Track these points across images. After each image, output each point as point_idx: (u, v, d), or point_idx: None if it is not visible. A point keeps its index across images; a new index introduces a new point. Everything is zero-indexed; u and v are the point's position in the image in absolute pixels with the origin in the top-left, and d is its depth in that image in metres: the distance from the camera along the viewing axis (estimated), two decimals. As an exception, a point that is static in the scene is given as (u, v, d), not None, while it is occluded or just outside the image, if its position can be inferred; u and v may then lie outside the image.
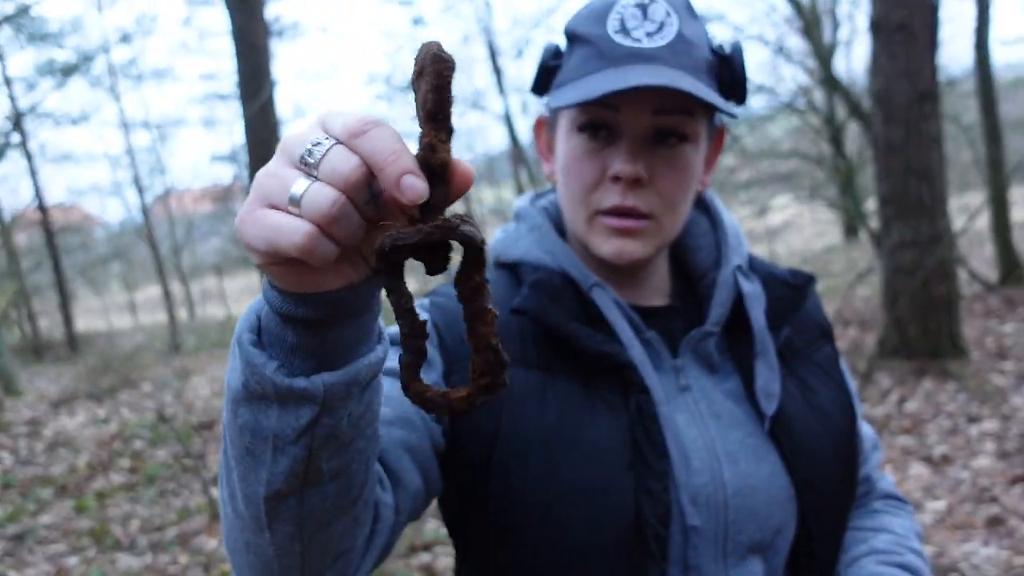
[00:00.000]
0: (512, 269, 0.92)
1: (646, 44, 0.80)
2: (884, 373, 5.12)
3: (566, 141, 0.86)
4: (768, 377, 0.85)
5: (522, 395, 0.82)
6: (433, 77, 0.44)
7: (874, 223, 7.22)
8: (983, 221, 9.76)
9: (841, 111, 10.41)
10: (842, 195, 10.24)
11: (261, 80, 6.99)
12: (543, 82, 0.91)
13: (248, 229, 0.47)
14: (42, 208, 13.69)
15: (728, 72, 0.86)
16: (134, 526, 4.82)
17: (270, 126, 7.08)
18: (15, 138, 12.44)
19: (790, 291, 0.92)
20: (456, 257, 0.48)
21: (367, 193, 0.46)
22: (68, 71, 12.34)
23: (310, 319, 0.51)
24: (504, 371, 0.48)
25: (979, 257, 9.65)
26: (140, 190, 16.57)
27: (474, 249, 0.46)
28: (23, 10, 11.27)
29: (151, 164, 19.07)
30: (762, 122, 11.12)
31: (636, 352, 0.83)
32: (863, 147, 10.67)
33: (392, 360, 0.73)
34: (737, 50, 0.86)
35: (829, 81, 9.54)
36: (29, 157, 13.53)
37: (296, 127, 0.57)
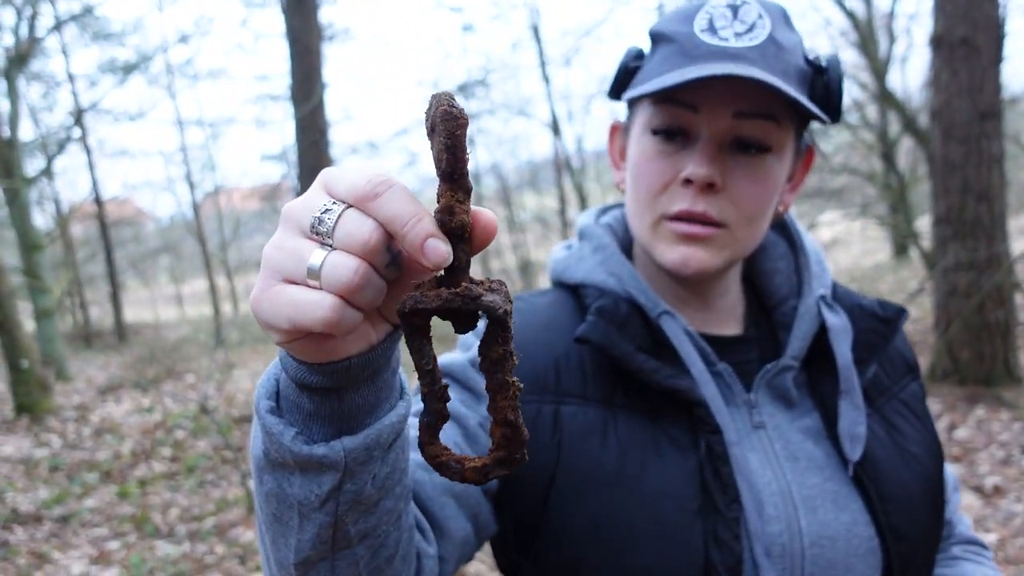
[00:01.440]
0: (574, 291, 0.88)
1: (733, 43, 0.75)
2: (934, 399, 4.96)
3: (638, 142, 0.81)
4: (853, 418, 0.78)
5: (582, 432, 0.77)
6: (445, 136, 0.42)
7: (926, 242, 7.02)
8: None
9: (895, 127, 10.17)
10: (893, 212, 9.98)
11: (313, 82, 7.11)
12: (621, 84, 0.85)
13: (267, 308, 0.45)
14: (98, 201, 14.13)
15: (822, 85, 0.79)
16: (173, 515, 4.92)
17: (320, 128, 7.19)
18: (76, 133, 12.87)
19: (879, 324, 0.84)
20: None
21: (387, 256, 0.44)
22: (128, 69, 12.72)
23: (328, 387, 0.50)
24: (523, 447, 0.47)
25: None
26: (191, 186, 17.01)
27: (497, 320, 0.44)
28: (88, 10, 11.67)
29: (202, 161, 19.56)
30: (813, 136, 10.90)
31: (708, 387, 0.77)
32: (915, 164, 10.41)
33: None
34: (834, 63, 0.79)
35: (883, 96, 9.32)
36: (88, 152, 13.99)
37: (298, 198, 0.48)
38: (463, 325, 0.46)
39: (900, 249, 14.12)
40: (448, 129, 0.41)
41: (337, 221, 0.43)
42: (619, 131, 0.89)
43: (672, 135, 0.78)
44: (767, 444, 0.79)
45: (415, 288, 0.45)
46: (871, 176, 10.82)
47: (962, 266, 4.83)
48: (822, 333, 0.83)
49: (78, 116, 12.21)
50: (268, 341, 14.22)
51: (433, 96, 0.43)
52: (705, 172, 0.75)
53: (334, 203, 0.44)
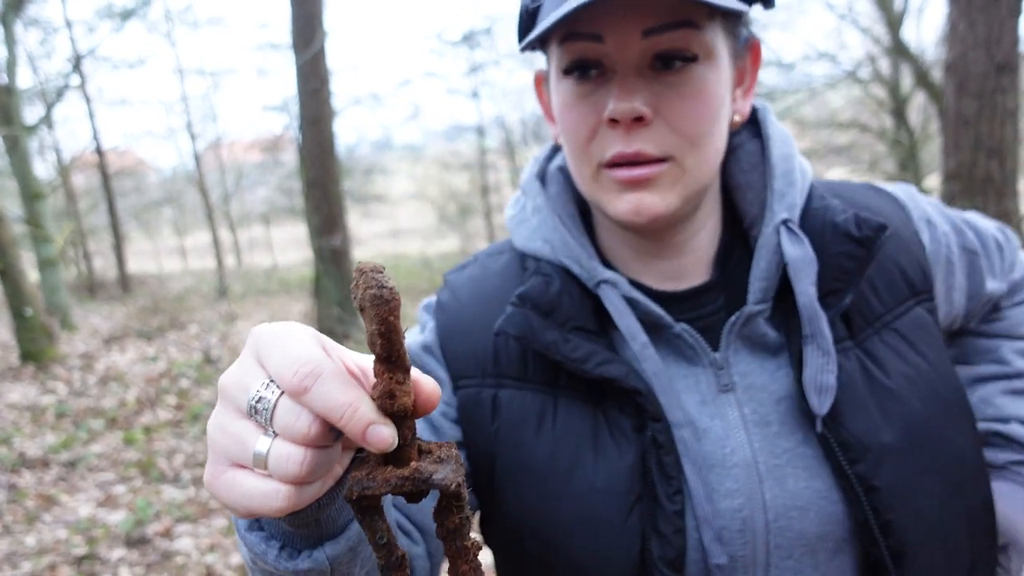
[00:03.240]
0: (522, 257, 0.81)
1: None
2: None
3: (557, 90, 0.72)
4: (820, 366, 0.69)
5: (517, 419, 0.73)
6: (377, 322, 0.39)
7: (935, 199, 6.92)
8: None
9: (907, 82, 9.97)
10: (902, 170, 9.85)
11: (314, 29, 6.97)
12: (526, 30, 0.74)
13: (223, 494, 0.44)
14: (99, 151, 14.01)
15: None
16: (178, 460, 5.00)
17: (321, 76, 7.07)
18: (74, 80, 12.70)
19: (854, 246, 0.72)
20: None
21: (332, 435, 0.43)
22: (126, 15, 12.47)
23: (298, 518, 0.50)
24: None
25: (1044, 242, 9.22)
26: (192, 137, 16.85)
27: (450, 495, 0.43)
28: (84, -48, 11.37)
29: (204, 111, 19.34)
30: (822, 91, 10.71)
31: (650, 363, 0.70)
32: (927, 121, 10.24)
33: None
34: None
35: (897, 49, 9.12)
36: (88, 100, 13.82)
37: (230, 370, 0.45)
38: (415, 498, 0.45)
39: (907, 208, 13.96)
40: (379, 315, 0.39)
41: (274, 410, 0.42)
42: (543, 81, 0.80)
43: (585, 71, 0.69)
44: (735, 409, 0.72)
45: (359, 465, 0.44)
46: (881, 133, 10.67)
47: (970, 223, 4.78)
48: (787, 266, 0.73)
49: (76, 63, 12.02)
50: (271, 293, 14.34)
51: (358, 271, 0.40)
52: (627, 106, 0.66)
53: (267, 385, 0.42)
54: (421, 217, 21.59)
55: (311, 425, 0.41)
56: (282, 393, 0.42)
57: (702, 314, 0.76)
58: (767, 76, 10.89)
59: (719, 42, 0.69)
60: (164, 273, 19.00)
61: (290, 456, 0.41)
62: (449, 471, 0.43)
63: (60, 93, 11.69)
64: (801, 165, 0.78)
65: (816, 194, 0.78)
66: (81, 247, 15.72)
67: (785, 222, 0.73)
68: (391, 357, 0.41)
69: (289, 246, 21.39)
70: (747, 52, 0.76)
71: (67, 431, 5.74)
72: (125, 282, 14.91)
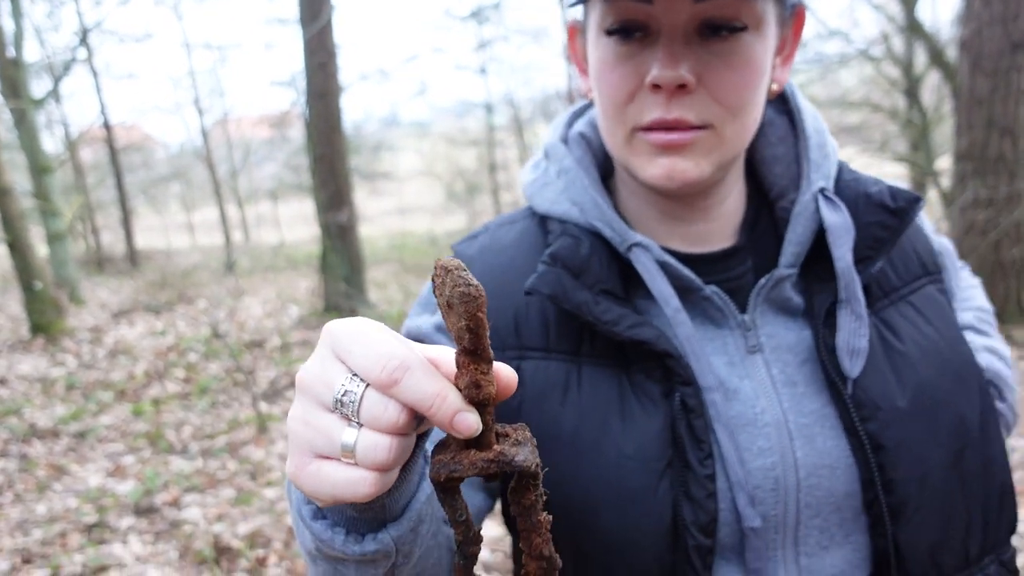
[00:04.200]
0: (543, 221, 0.80)
1: None
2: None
3: (595, 47, 0.71)
4: (853, 329, 0.70)
5: (542, 389, 0.72)
6: (467, 318, 0.42)
7: (945, 181, 6.87)
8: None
9: (921, 61, 9.83)
10: (914, 150, 9.75)
11: (321, 3, 6.91)
12: None
13: (309, 484, 0.46)
14: (106, 125, 14.00)
15: None
16: (187, 432, 5.05)
17: (328, 50, 7.03)
18: (81, 54, 12.66)
19: (888, 216, 0.73)
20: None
21: (414, 423, 0.45)
22: (133, -12, 12.38)
23: (368, 504, 0.52)
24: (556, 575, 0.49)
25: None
26: (200, 112, 16.82)
27: (530, 475, 0.47)
28: (91, -77, 11.29)
29: (211, 86, 19.26)
30: (834, 69, 10.58)
31: (683, 327, 0.70)
32: (940, 102, 10.12)
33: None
34: None
35: (912, 27, 8.98)
36: (95, 74, 13.78)
37: (308, 366, 0.47)
38: (493, 480, 0.48)
39: (918, 188, 13.91)
40: (468, 311, 0.42)
41: (360, 403, 0.44)
42: (578, 32, 0.78)
43: (629, 33, 0.67)
44: (763, 370, 0.72)
45: (442, 450, 0.47)
46: (893, 113, 10.54)
47: (981, 203, 4.74)
48: (821, 233, 0.74)
49: (83, 36, 11.97)
50: (278, 270, 14.36)
51: (442, 268, 0.43)
52: (672, 74, 0.65)
53: (351, 379, 0.44)
54: (428, 194, 21.54)
55: (400, 415, 0.43)
56: (367, 386, 0.44)
57: (730, 276, 0.76)
58: (779, 54, 10.72)
59: (768, 10, 0.68)
60: (172, 248, 19.07)
61: (378, 445, 0.44)
62: (528, 453, 0.46)
63: (67, 66, 11.66)
64: (831, 140, 0.79)
65: (846, 168, 0.79)
66: (89, 221, 15.78)
67: (822, 190, 0.74)
68: (477, 350, 0.43)
69: (296, 222, 21.41)
70: (792, 19, 0.75)
71: (76, 403, 5.80)
72: (133, 257, 14.97)
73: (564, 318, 0.74)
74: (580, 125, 0.83)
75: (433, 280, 0.43)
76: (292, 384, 5.86)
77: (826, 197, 0.74)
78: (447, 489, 0.47)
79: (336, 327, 0.46)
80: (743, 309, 0.74)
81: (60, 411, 5.60)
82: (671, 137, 0.68)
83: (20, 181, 10.27)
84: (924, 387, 0.72)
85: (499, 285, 0.78)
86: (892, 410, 0.70)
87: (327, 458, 0.45)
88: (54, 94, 12.07)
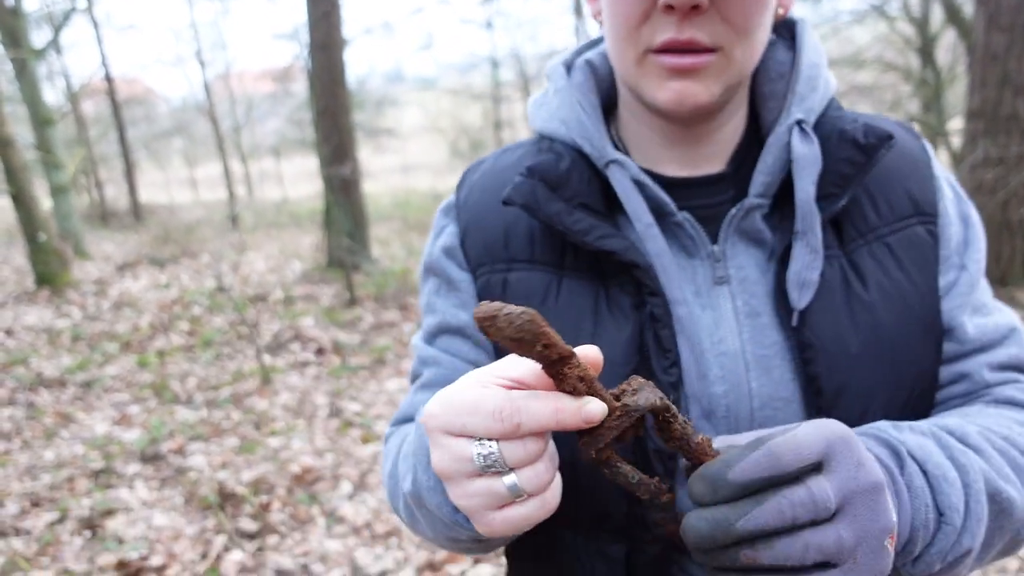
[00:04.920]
0: (540, 142, 0.82)
1: None
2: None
3: None
4: (807, 262, 0.70)
5: (523, 298, 0.76)
6: (538, 344, 0.46)
7: (956, 142, 6.77)
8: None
9: (937, 19, 9.62)
10: (926, 111, 9.60)
11: (323, -51, 6.76)
12: None
13: (503, 529, 0.54)
14: (108, 77, 13.85)
15: None
16: (191, 383, 5.10)
17: (331, -1, 6.89)
18: (81, 2, 12.45)
19: (856, 152, 0.73)
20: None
21: (548, 441, 0.54)
22: (132, -65, 12.12)
23: None
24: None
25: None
26: (202, 65, 16.59)
27: (661, 410, 0.51)
28: None
29: (213, 39, 18.97)
30: (847, 26, 10.36)
31: (654, 243, 0.72)
32: (955, 61, 9.92)
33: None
34: None
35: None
36: (95, 24, 13.58)
37: (438, 459, 0.56)
38: (638, 433, 0.53)
39: (928, 151, 13.69)
40: (532, 336, 0.45)
41: (502, 457, 0.51)
42: None
43: None
44: (727, 301, 0.73)
45: (580, 435, 0.52)
46: (907, 73, 10.35)
47: (991, 162, 4.68)
48: (792, 166, 0.73)
49: (83, -16, 11.76)
50: (282, 226, 14.33)
51: (485, 319, 0.45)
52: None
53: (481, 443, 0.51)
54: (432, 151, 21.35)
55: (536, 445, 0.51)
56: (498, 442, 0.51)
57: (709, 203, 0.77)
58: (795, 8, 10.52)
59: None
60: (175, 204, 19.02)
61: (537, 474, 0.52)
62: (648, 394, 0.51)
63: (67, 16, 11.49)
64: (826, 76, 0.78)
65: (835, 105, 0.78)
66: (92, 175, 15.72)
67: (799, 122, 0.74)
68: (560, 357, 0.48)
69: (300, 179, 21.30)
70: None
71: (82, 353, 5.85)
72: (137, 211, 14.95)
73: (549, 232, 0.77)
74: (591, 54, 0.84)
75: (483, 331, 0.46)
76: (295, 338, 5.90)
77: (801, 129, 0.74)
78: (603, 462, 0.52)
79: (435, 410, 0.54)
80: (715, 240, 0.75)
81: (66, 361, 5.65)
82: (684, 61, 0.68)
83: (22, 133, 10.20)
84: (881, 334, 0.71)
85: (492, 203, 0.81)
86: (840, 355, 0.70)
87: (505, 506, 0.53)
88: (54, 44, 11.91)
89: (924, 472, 0.61)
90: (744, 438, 0.56)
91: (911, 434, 0.65)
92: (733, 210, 0.74)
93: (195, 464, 3.81)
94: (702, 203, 0.77)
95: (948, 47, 9.94)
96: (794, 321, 0.71)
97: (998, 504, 0.63)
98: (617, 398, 0.51)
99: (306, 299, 7.19)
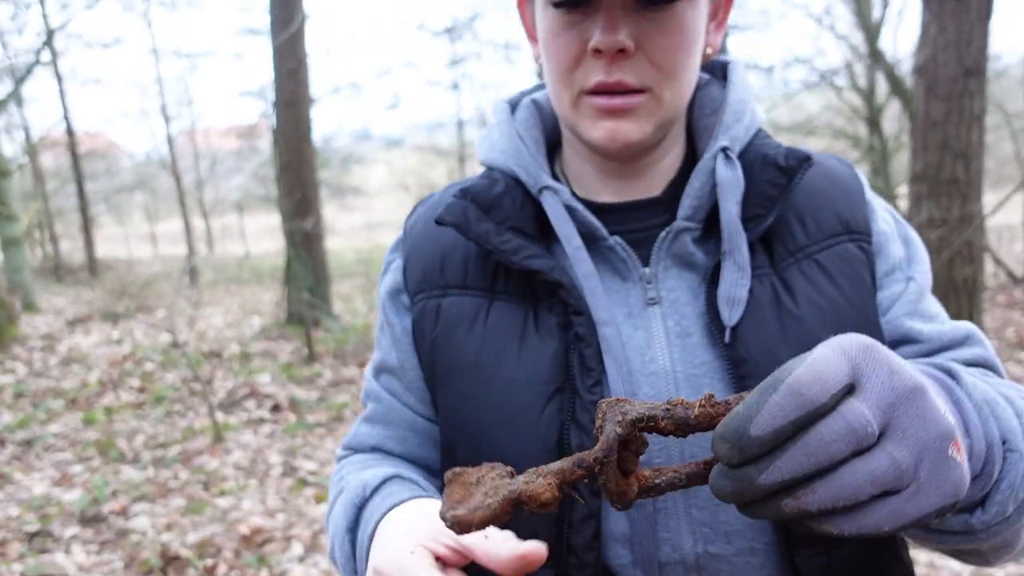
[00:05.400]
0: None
1: None
2: (898, 353, 5.04)
3: (542, 16, 0.76)
4: (735, 280, 0.72)
5: (455, 322, 0.78)
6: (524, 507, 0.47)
7: (904, 204, 7.05)
8: (1015, 215, 9.55)
9: (882, 91, 10.13)
10: (874, 175, 10.00)
11: (292, 9, 6.89)
12: None
13: None
14: (69, 131, 13.72)
15: None
16: (139, 441, 4.91)
17: (298, 56, 6.99)
18: (45, 56, 12.42)
19: (777, 174, 0.76)
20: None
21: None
22: (101, -7, 12.23)
23: None
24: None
25: (1008, 254, 9.45)
26: (166, 119, 16.58)
27: (636, 428, 0.47)
28: (59, -74, 11.14)
29: (179, 95, 19.04)
30: (798, 93, 10.84)
31: (581, 265, 0.73)
32: (900, 130, 10.41)
33: (381, 383, 0.85)
34: None
35: (873, 56, 9.25)
36: (59, 78, 13.52)
37: None
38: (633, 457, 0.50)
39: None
40: (522, 510, 0.47)
41: None
42: (527, 2, 0.83)
43: (573, 4, 0.71)
44: (658, 321, 0.75)
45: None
46: (855, 140, 10.81)
47: (935, 223, 4.86)
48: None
49: (48, 38, 11.76)
50: (243, 282, 14.12)
51: (455, 524, 0.46)
52: (612, 39, 0.69)
53: None
54: (398, 209, 21.42)
55: None
56: None
57: (642, 227, 0.79)
58: (752, 79, 10.99)
59: None
60: (133, 259, 18.67)
61: None
62: (609, 427, 0.47)
63: (30, 69, 11.43)
64: (753, 109, 0.82)
65: (762, 134, 0.82)
66: (48, 229, 15.38)
67: (724, 149, 0.77)
68: (548, 491, 0.48)
69: (263, 235, 21.15)
70: None
71: (24, 411, 5.61)
72: (93, 266, 14.62)
73: (482, 257, 0.79)
74: (536, 94, 0.89)
75: (462, 531, 0.46)
76: (251, 395, 5.75)
77: (726, 155, 0.77)
78: (646, 491, 0.50)
79: (380, 564, 0.60)
80: (647, 263, 0.77)
81: (7, 418, 5.41)
82: (614, 102, 0.72)
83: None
84: (812, 345, 0.70)
85: (433, 231, 0.84)
86: (773, 367, 0.70)
87: None
88: (15, 97, 11.80)
89: (976, 395, 0.57)
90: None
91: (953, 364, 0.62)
92: (663, 232, 0.76)
93: (138, 526, 3.63)
94: (634, 227, 0.79)
95: (894, 116, 10.44)
96: (727, 338, 0.72)
97: None
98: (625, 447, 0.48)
99: (264, 355, 7.04)
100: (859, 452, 0.43)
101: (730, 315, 0.72)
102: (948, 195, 4.82)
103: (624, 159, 0.79)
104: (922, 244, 0.84)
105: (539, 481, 0.47)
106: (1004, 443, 0.56)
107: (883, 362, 0.44)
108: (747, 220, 0.75)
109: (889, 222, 0.82)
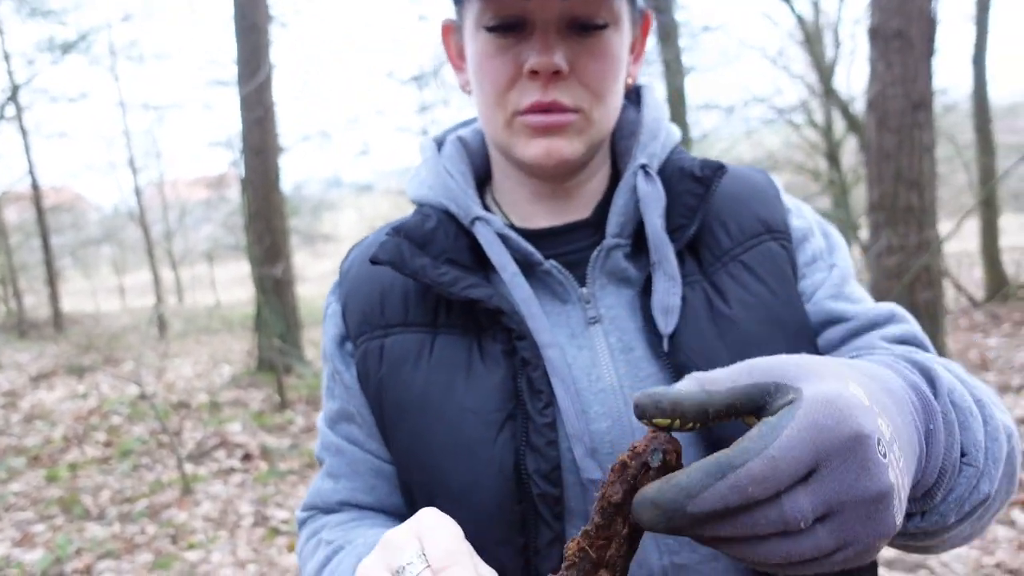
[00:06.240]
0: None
1: None
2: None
3: (474, 41, 0.77)
4: (666, 288, 0.74)
5: (399, 360, 0.77)
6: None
7: (865, 234, 7.24)
8: (973, 243, 9.85)
9: (839, 127, 10.47)
10: (836, 207, 10.26)
11: (260, 60, 6.97)
12: None
13: None
14: (34, 185, 13.58)
15: None
16: (104, 497, 4.76)
17: (266, 105, 7.04)
18: (9, 111, 12.35)
19: (695, 184, 0.79)
20: None
21: None
22: (67, 48, 12.26)
23: None
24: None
25: (968, 279, 9.70)
26: (134, 171, 16.50)
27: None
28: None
29: (146, 147, 18.99)
30: (758, 129, 11.16)
31: (519, 290, 0.74)
32: (858, 164, 10.74)
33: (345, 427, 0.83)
34: None
35: (828, 94, 9.59)
36: (24, 133, 13.43)
37: (397, 529, 0.57)
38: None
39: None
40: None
41: None
42: (452, 30, 0.85)
43: (507, 29, 0.74)
44: (601, 339, 0.76)
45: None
46: (816, 174, 11.12)
47: (894, 250, 4.99)
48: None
49: (13, 94, 11.72)
50: (213, 332, 13.93)
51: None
52: (548, 60, 0.72)
53: (420, 556, 0.52)
54: (370, 255, 21.28)
55: None
56: (427, 567, 0.51)
57: (575, 249, 0.81)
58: (708, 119, 11.31)
59: (623, 11, 0.77)
60: (101, 312, 18.34)
61: None
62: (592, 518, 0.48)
63: (-7, 124, 11.34)
64: (668, 127, 0.85)
65: (678, 150, 0.85)
66: (11, 285, 15.08)
67: (643, 166, 0.80)
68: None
69: (233, 284, 20.94)
70: (641, 21, 0.84)
71: (-16, 470, 5.42)
72: (58, 321, 14.32)
73: (421, 293, 0.79)
74: (465, 131, 0.90)
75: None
76: (221, 445, 5.63)
77: (645, 172, 0.80)
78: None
79: (431, 515, 0.55)
80: (584, 283, 0.78)
81: (-35, 479, 5.22)
82: (549, 119, 0.74)
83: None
84: (749, 345, 0.73)
85: (369, 272, 0.84)
86: (713, 367, 0.72)
87: None
88: (-22, 152, 11.67)
89: (952, 404, 0.56)
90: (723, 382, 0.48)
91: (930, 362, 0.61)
92: (595, 251, 0.78)
93: (103, 584, 3.51)
94: (568, 249, 0.81)
95: (852, 151, 10.78)
96: (664, 347, 0.73)
97: (1011, 443, 0.61)
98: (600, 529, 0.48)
99: (234, 404, 6.91)
100: (786, 533, 0.43)
101: (666, 324, 0.73)
102: (905, 223, 4.97)
103: (557, 178, 0.81)
104: (841, 237, 0.87)
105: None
106: (963, 456, 0.56)
107: (857, 461, 0.42)
108: (672, 231, 0.78)
109: (806, 218, 0.86)
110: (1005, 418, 0.64)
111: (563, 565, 0.48)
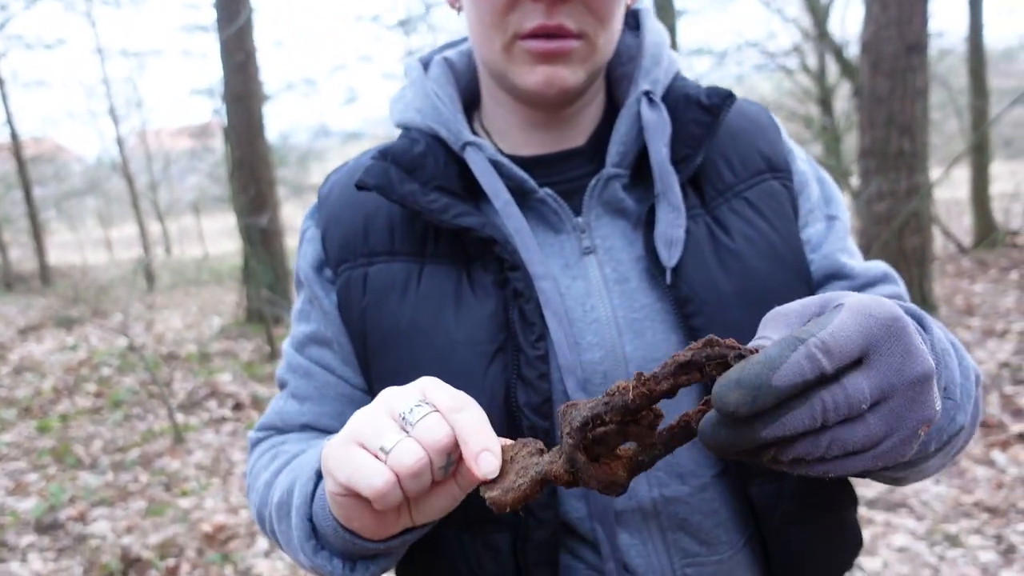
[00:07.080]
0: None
1: None
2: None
3: None
4: (670, 220, 0.72)
5: (384, 290, 0.75)
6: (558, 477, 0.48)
7: (856, 181, 7.21)
8: (963, 191, 9.85)
9: (832, 72, 10.32)
10: (827, 154, 10.20)
11: (239, 2, 6.75)
12: None
13: (333, 460, 0.54)
14: (13, 135, 13.29)
15: None
16: (96, 447, 4.80)
17: (247, 50, 6.86)
18: (-16, 59, 11.99)
19: (702, 113, 0.76)
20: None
21: (445, 460, 0.52)
22: (40, -9, 11.84)
23: (367, 552, 0.63)
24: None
25: (957, 226, 9.73)
26: (115, 120, 16.16)
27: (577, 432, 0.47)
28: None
29: (128, 95, 18.57)
30: (750, 75, 10.99)
31: (512, 220, 0.72)
32: (851, 110, 10.64)
33: (319, 349, 0.81)
34: None
35: (822, 37, 9.42)
36: (0, 82, 13.09)
37: (398, 391, 0.56)
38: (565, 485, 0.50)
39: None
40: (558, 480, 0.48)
41: (423, 418, 0.51)
42: None
43: None
44: (595, 270, 0.74)
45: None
46: (808, 121, 11.01)
47: (884, 196, 4.97)
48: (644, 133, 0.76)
49: (-15, 40, 11.36)
50: (201, 284, 13.86)
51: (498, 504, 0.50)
52: None
53: (426, 403, 0.52)
54: (359, 206, 21.08)
55: (445, 435, 0.51)
56: (433, 411, 0.52)
57: (570, 177, 0.78)
58: (700, 64, 11.13)
59: None
60: (88, 265, 18.19)
61: (412, 451, 0.51)
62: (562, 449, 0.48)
63: (-32, 72, 11.03)
64: (670, 54, 0.82)
65: (680, 77, 0.82)
66: (-5, 237, 14.90)
67: (647, 93, 0.77)
68: (568, 469, 0.48)
69: (221, 236, 20.77)
70: None
71: (-25, 421, 5.44)
72: (45, 274, 14.20)
73: (408, 221, 0.76)
74: (448, 52, 0.85)
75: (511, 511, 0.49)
76: (212, 395, 5.66)
77: (649, 98, 0.76)
78: (639, 467, 0.49)
79: (432, 379, 0.55)
80: (579, 212, 0.76)
81: (-44, 430, 5.24)
82: (551, 45, 0.70)
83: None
84: (753, 278, 0.73)
85: (352, 197, 0.81)
86: (717, 303, 0.71)
87: (364, 448, 0.52)
88: (-47, 101, 11.39)
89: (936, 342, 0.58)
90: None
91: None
92: (593, 181, 0.75)
93: (97, 531, 3.55)
94: (564, 178, 0.78)
95: (845, 97, 10.65)
96: (668, 279, 0.72)
97: (978, 384, 0.65)
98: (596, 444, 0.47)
99: (224, 355, 6.92)
100: (845, 421, 0.44)
101: (669, 256, 0.71)
102: (895, 168, 4.94)
103: (554, 107, 0.78)
104: (834, 183, 0.86)
105: (560, 462, 0.48)
106: (944, 390, 0.58)
107: (901, 344, 0.44)
108: (676, 161, 0.75)
109: (806, 162, 0.84)
110: (972, 362, 0.67)
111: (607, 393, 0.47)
